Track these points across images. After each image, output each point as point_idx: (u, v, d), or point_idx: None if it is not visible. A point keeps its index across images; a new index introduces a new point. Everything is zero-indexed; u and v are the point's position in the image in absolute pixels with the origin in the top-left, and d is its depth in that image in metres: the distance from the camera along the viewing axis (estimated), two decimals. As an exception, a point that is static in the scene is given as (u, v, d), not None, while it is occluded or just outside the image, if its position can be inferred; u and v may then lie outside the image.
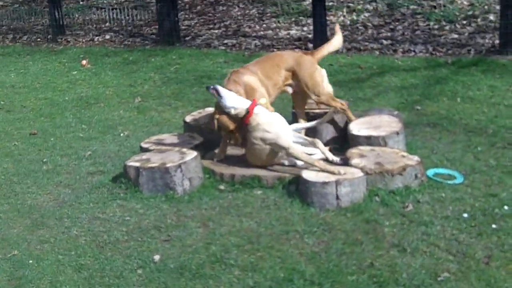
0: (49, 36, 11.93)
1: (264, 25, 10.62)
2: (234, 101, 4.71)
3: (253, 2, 11.84)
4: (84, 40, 11.37)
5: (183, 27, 10.97)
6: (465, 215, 4.13)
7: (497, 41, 8.21)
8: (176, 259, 3.80)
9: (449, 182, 4.60)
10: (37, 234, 4.29)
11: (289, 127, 4.86)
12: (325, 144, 4.98)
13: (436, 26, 9.38)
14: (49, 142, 6.23)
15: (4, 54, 11.12)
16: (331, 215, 4.22)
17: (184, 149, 4.93)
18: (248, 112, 4.67)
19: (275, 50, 9.18)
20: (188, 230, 4.15)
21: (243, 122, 4.71)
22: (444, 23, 9.45)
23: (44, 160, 5.70)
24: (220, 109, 4.75)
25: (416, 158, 4.63)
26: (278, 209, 4.35)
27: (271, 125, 4.67)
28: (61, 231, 4.29)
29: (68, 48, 10.96)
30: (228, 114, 4.72)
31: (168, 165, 4.66)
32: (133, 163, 4.80)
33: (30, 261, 3.92)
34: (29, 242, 4.18)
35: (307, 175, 4.43)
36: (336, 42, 5.43)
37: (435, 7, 10.00)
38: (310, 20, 9.80)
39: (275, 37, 9.90)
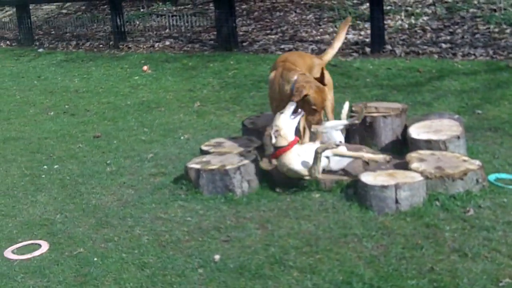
0: (111, 43, 12.25)
1: (321, 30, 10.63)
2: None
3: (310, 7, 11.85)
4: (144, 46, 11.62)
5: (241, 33, 11.08)
6: (528, 220, 4.06)
7: (559, 44, 8.01)
8: (235, 259, 3.86)
9: (511, 187, 4.52)
10: (101, 232, 4.42)
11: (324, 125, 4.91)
12: (385, 149, 4.99)
13: (496, 30, 9.19)
14: (112, 144, 6.40)
15: (68, 60, 11.48)
16: (390, 219, 4.20)
17: (243, 152, 4.99)
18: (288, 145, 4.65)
19: (332, 55, 9.17)
20: (247, 231, 4.20)
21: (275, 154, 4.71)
22: (504, 26, 9.25)
23: (108, 162, 5.87)
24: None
25: (477, 162, 4.57)
26: (336, 212, 4.36)
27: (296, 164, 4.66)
28: (124, 230, 4.41)
29: (130, 54, 11.22)
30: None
31: (227, 167, 4.73)
32: (193, 165, 4.89)
33: (95, 259, 4.04)
34: (94, 240, 4.31)
35: (366, 178, 4.42)
36: (339, 44, 5.55)
37: (495, 10, 9.80)
38: (367, 25, 9.77)
39: (332, 41, 9.87)
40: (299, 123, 4.81)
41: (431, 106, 6.52)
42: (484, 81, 7.20)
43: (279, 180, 4.79)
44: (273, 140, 4.64)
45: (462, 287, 3.40)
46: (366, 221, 4.21)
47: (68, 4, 16.10)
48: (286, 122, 4.66)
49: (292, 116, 4.69)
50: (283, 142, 4.64)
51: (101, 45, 12.42)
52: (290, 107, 4.68)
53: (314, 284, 3.54)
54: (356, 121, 5.03)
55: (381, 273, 3.59)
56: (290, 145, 4.64)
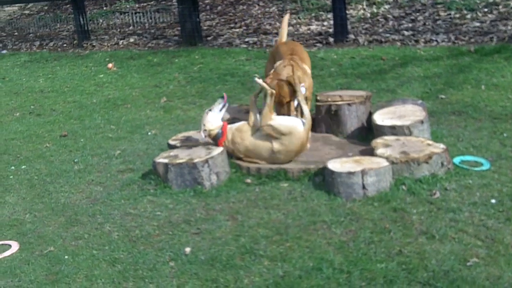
0: (74, 42, 12.13)
1: (285, 22, 10.66)
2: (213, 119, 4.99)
3: (273, 0, 11.90)
4: (109, 44, 11.53)
5: (205, 28, 11.07)
6: (493, 201, 4.14)
7: (520, 28, 8.17)
8: (206, 251, 3.88)
9: (475, 169, 4.61)
10: (71, 230, 4.40)
11: None
12: (350, 136, 5.08)
13: (457, 15, 9.35)
14: (79, 143, 6.36)
15: (32, 60, 11.33)
16: (358, 205, 4.26)
17: (211, 145, 5.00)
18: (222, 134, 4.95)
19: (297, 45, 9.22)
20: (217, 223, 4.22)
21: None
22: (465, 11, 9.42)
23: (75, 160, 5.83)
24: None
25: (441, 146, 4.65)
26: (305, 200, 4.41)
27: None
28: (94, 227, 4.40)
29: (94, 52, 11.13)
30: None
31: (195, 160, 4.74)
32: (161, 160, 4.89)
33: (66, 257, 4.03)
34: (64, 238, 4.29)
35: (333, 165, 4.47)
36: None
37: (456, -4, 9.98)
38: (330, 15, 9.84)
39: (295, 33, 9.94)
40: None
41: (395, 92, 6.61)
42: (446, 67, 7.31)
43: (248, 171, 4.83)
44: (205, 139, 4.99)
45: (430, 268, 3.47)
46: (334, 207, 4.26)
47: (30, 5, 15.89)
48: (212, 117, 4.95)
49: (221, 110, 5.03)
50: (214, 132, 4.92)
51: (65, 45, 12.28)
52: (218, 105, 5.00)
53: (285, 272, 3.58)
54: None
55: (350, 258, 3.65)
56: (224, 130, 4.92)
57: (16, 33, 14.33)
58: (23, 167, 5.85)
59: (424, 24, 9.28)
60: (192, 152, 4.93)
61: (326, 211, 4.22)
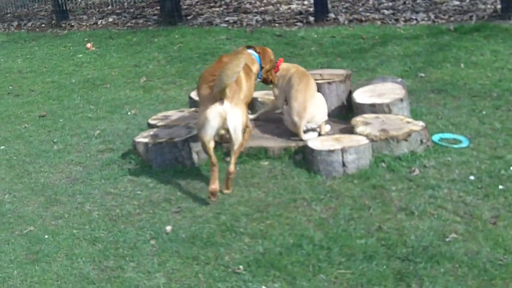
0: (53, 22, 12.00)
1: (265, 1, 10.64)
2: None
3: (254, -22, 11.82)
4: (87, 24, 11.41)
5: (185, 7, 11.00)
6: (472, 177, 4.18)
7: (498, 6, 8.22)
8: (187, 229, 3.88)
9: (455, 146, 4.65)
10: (51, 210, 4.38)
11: None
12: (331, 114, 5.08)
13: (437, -6, 9.37)
14: (59, 123, 6.30)
15: (10, 40, 11.19)
16: (338, 182, 4.28)
17: (191, 124, 4.99)
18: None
19: (276, 25, 9.20)
20: (198, 202, 4.22)
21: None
22: (446, -10, 9.44)
23: (55, 140, 5.78)
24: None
25: (421, 123, 4.68)
26: (285, 178, 4.42)
27: None
28: (74, 207, 4.38)
29: (73, 32, 11.01)
30: None
31: (175, 139, 4.72)
32: (141, 139, 4.86)
33: (46, 236, 4.01)
34: (44, 218, 4.27)
35: (313, 143, 4.49)
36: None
37: (436, -26, 9.99)
38: (311, -6, 9.81)
39: (276, 12, 9.91)
40: None
41: (375, 71, 6.62)
42: (426, 45, 7.34)
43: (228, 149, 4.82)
44: None
45: (409, 244, 3.51)
46: (314, 185, 4.28)
47: (7, -16, 15.65)
48: None
49: None
50: None
51: (43, 25, 12.13)
52: None
53: (266, 249, 3.60)
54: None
55: (330, 234, 3.67)
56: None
57: (-7, 13, 14.14)
58: (1, 147, 5.80)
59: (404, 3, 9.30)
60: (172, 132, 4.91)
61: (306, 189, 4.24)
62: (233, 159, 4.28)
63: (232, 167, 4.27)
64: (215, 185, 4.18)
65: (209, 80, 4.26)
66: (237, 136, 4.21)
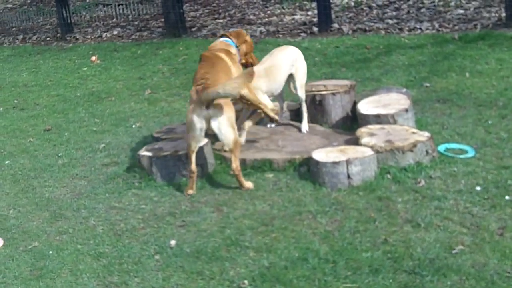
0: (58, 35, 12.03)
1: (269, 12, 10.65)
2: None
3: (257, -10, 11.85)
4: (92, 37, 11.44)
5: (189, 19, 11.01)
6: (478, 188, 4.15)
7: (503, 14, 8.18)
8: (192, 244, 3.86)
9: (461, 156, 4.62)
10: (56, 225, 4.37)
11: None
12: (335, 125, 5.07)
13: (441, 3, 9.35)
14: (63, 137, 6.31)
15: (15, 54, 11.23)
16: (343, 194, 4.25)
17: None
18: None
19: (280, 36, 9.20)
20: (203, 215, 4.20)
21: None
22: (449, -2, 9.43)
23: (59, 154, 5.78)
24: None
25: (426, 134, 4.65)
26: (290, 191, 4.39)
27: None
28: (79, 222, 4.37)
29: (77, 45, 11.04)
30: None
31: (180, 153, 4.71)
32: (146, 152, 4.86)
33: (50, 252, 4.00)
34: (49, 233, 4.26)
35: (318, 155, 4.46)
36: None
37: (439, -17, 9.98)
38: (314, 4, 9.81)
39: (280, 23, 9.92)
40: None
41: (379, 81, 6.60)
42: (431, 54, 7.31)
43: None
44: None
45: (415, 257, 3.47)
46: (319, 197, 4.25)
47: (12, -2, 15.75)
48: None
49: None
50: None
51: (48, 38, 12.17)
52: None
53: (271, 263, 3.57)
54: None
55: (336, 248, 3.64)
56: None
57: (-2, 27, 14.19)
58: (6, 162, 5.80)
59: (408, 12, 9.28)
60: (176, 145, 4.90)
61: (311, 201, 4.21)
62: (232, 158, 4.43)
63: (234, 165, 4.41)
64: (192, 190, 4.48)
65: (198, 83, 4.48)
66: (225, 137, 4.38)
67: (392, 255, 3.52)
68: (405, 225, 3.81)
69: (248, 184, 4.47)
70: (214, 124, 4.35)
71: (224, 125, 4.36)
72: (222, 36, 5.10)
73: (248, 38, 5.06)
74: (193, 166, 4.44)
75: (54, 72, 9.38)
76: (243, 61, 5.04)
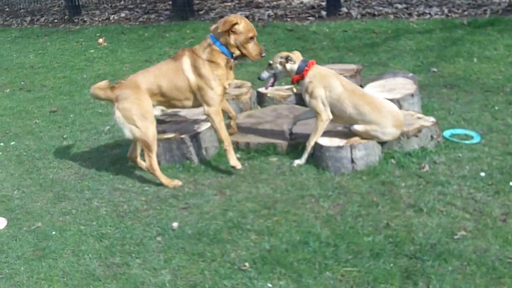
0: (65, 17, 12.03)
1: (277, -5, 10.58)
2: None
3: (266, -27, 11.77)
4: (100, 19, 11.43)
5: (197, 1, 10.98)
6: (482, 174, 4.13)
7: (513, 0, 8.10)
8: (194, 226, 3.87)
9: (466, 142, 4.59)
10: (59, 206, 4.38)
11: None
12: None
13: (451, -12, 9.26)
14: (69, 118, 6.32)
15: (23, 36, 11.24)
16: (347, 179, 4.24)
17: (199, 120, 4.97)
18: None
19: (288, 20, 9.15)
20: (205, 198, 4.21)
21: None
22: (459, -16, 9.33)
23: (65, 136, 5.80)
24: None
25: (431, 119, 4.62)
26: (293, 174, 4.38)
27: None
28: (82, 203, 4.38)
29: (85, 27, 11.04)
30: None
31: (183, 135, 4.70)
32: (150, 135, 4.84)
33: (53, 232, 4.02)
34: (52, 214, 4.28)
35: (321, 140, 4.44)
36: None
37: (450, -32, 9.88)
38: (323, -12, 9.74)
39: (288, 6, 9.86)
40: None
41: (387, 66, 6.56)
42: (439, 39, 7.26)
43: (237, 145, 4.80)
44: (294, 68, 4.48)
45: (417, 242, 3.46)
46: (323, 181, 4.24)
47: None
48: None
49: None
50: (295, 64, 4.47)
51: (56, 20, 12.17)
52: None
53: (272, 246, 3.57)
54: None
55: (337, 231, 3.64)
56: (309, 66, 4.46)
57: (7, 9, 14.22)
58: (12, 143, 5.82)
59: (418, -4, 9.20)
60: (180, 128, 4.89)
61: (314, 185, 4.20)
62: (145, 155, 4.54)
63: (147, 163, 4.51)
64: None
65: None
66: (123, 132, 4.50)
67: (394, 239, 3.51)
68: (408, 210, 3.80)
69: (171, 182, 4.43)
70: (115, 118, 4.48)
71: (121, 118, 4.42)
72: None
73: (239, 27, 4.34)
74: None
75: (61, 54, 9.39)
76: (237, 53, 4.39)
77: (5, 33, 11.79)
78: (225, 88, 4.48)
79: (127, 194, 4.41)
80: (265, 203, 4.04)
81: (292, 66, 4.46)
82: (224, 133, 4.44)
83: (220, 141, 4.57)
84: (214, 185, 4.37)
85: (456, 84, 5.83)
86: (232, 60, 4.43)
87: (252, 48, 4.40)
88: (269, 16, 9.48)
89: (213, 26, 4.47)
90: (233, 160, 4.43)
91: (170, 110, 4.79)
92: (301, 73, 4.45)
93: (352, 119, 4.39)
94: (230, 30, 4.33)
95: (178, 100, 4.50)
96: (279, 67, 4.50)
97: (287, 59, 4.46)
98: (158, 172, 4.44)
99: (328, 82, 4.41)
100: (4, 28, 12.45)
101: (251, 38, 4.38)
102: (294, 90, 4.84)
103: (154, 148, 4.43)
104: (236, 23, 4.34)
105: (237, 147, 4.80)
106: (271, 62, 4.54)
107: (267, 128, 4.95)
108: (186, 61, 4.43)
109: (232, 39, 4.36)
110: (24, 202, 4.53)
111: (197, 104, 4.51)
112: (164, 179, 4.44)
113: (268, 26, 8.82)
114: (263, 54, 4.43)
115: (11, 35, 11.52)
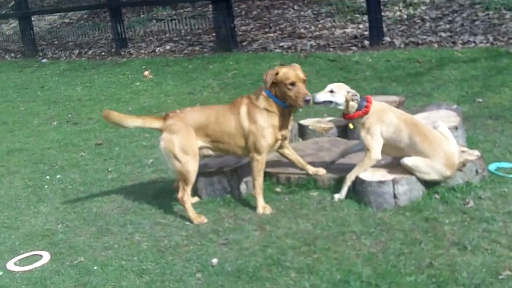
0: (112, 50, 12.29)
1: (320, 25, 10.61)
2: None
3: (308, 3, 11.84)
4: (146, 52, 11.64)
5: (240, 33, 11.08)
6: (529, 210, 4.02)
7: (561, 28, 7.94)
8: (233, 262, 3.85)
9: (512, 176, 4.49)
10: (102, 241, 4.43)
11: None
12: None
13: (495, 15, 9.14)
14: (114, 151, 6.42)
15: (71, 69, 11.53)
16: (389, 215, 4.17)
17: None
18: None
19: (330, 50, 9.15)
20: (245, 233, 4.19)
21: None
22: (504, 11, 9.20)
23: (109, 169, 5.89)
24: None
25: (476, 153, 4.53)
26: (334, 210, 4.34)
27: None
28: (124, 237, 4.42)
29: (131, 60, 11.25)
30: None
31: (224, 169, 4.72)
32: (191, 169, 4.87)
33: (95, 267, 4.05)
34: (94, 249, 4.32)
35: (363, 174, 4.40)
36: None
37: (493, -5, 9.77)
38: (365, 17, 9.74)
39: (330, 36, 9.87)
40: None
41: (431, 96, 6.49)
42: (484, 69, 7.15)
43: (278, 179, 4.79)
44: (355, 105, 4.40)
45: (461, 282, 3.37)
46: (364, 217, 4.18)
47: (70, 13, 16.18)
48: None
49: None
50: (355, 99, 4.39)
51: (103, 53, 12.45)
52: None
53: (312, 284, 3.52)
54: None
55: (379, 270, 3.57)
56: (369, 102, 4.42)
57: (56, 42, 14.62)
58: (58, 176, 5.93)
59: (462, 25, 9.10)
60: (222, 161, 4.92)
61: (355, 221, 4.15)
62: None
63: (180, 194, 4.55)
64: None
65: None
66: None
67: (437, 279, 3.42)
68: (452, 248, 3.71)
69: (197, 218, 4.46)
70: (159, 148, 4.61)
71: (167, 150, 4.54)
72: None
73: (278, 76, 4.38)
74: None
75: (108, 87, 9.58)
76: (287, 103, 4.41)
77: (54, 66, 12.10)
78: (277, 140, 4.49)
79: (168, 229, 4.43)
80: (305, 240, 4.01)
81: (354, 104, 4.41)
82: (259, 182, 4.48)
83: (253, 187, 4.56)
84: (254, 220, 4.36)
85: (502, 115, 5.72)
86: (287, 108, 4.44)
87: (294, 95, 4.34)
88: (311, 46, 9.50)
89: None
90: (261, 207, 4.47)
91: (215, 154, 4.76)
92: (362, 109, 4.40)
93: (404, 151, 4.33)
94: (274, 81, 4.39)
95: (227, 144, 4.53)
96: (342, 99, 4.42)
97: (354, 96, 4.39)
98: (188, 205, 4.48)
99: (385, 117, 4.38)
100: (53, 61, 12.79)
101: (292, 84, 4.34)
102: (351, 126, 4.65)
103: (192, 182, 4.48)
104: (277, 73, 4.39)
105: (277, 180, 4.80)
106: (333, 90, 4.43)
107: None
108: (243, 108, 4.48)
109: (274, 90, 4.41)
110: (67, 236, 4.60)
111: (246, 152, 4.53)
112: (192, 213, 4.48)
113: (310, 57, 8.84)
114: (307, 98, 4.31)
115: (60, 68, 11.83)
